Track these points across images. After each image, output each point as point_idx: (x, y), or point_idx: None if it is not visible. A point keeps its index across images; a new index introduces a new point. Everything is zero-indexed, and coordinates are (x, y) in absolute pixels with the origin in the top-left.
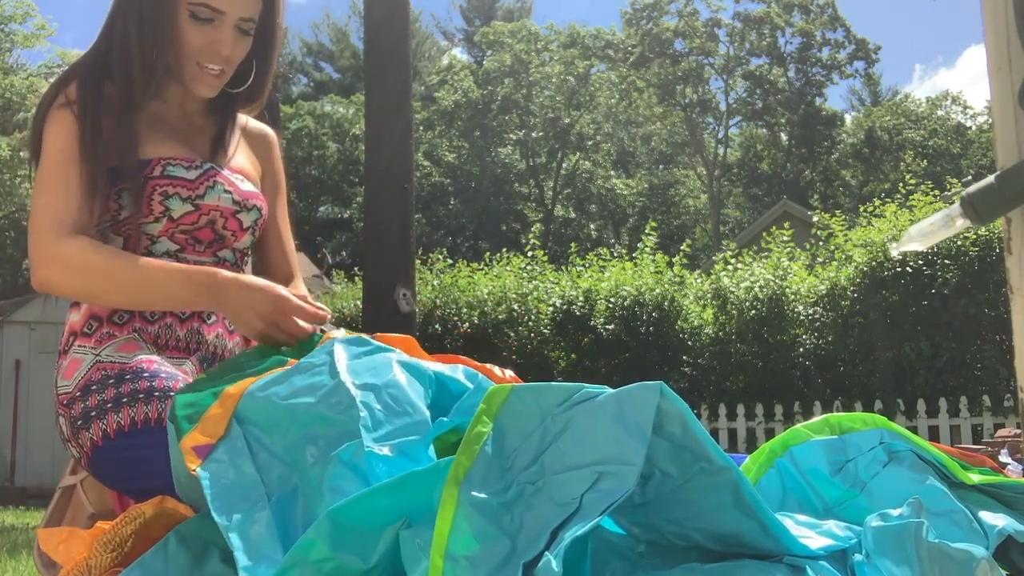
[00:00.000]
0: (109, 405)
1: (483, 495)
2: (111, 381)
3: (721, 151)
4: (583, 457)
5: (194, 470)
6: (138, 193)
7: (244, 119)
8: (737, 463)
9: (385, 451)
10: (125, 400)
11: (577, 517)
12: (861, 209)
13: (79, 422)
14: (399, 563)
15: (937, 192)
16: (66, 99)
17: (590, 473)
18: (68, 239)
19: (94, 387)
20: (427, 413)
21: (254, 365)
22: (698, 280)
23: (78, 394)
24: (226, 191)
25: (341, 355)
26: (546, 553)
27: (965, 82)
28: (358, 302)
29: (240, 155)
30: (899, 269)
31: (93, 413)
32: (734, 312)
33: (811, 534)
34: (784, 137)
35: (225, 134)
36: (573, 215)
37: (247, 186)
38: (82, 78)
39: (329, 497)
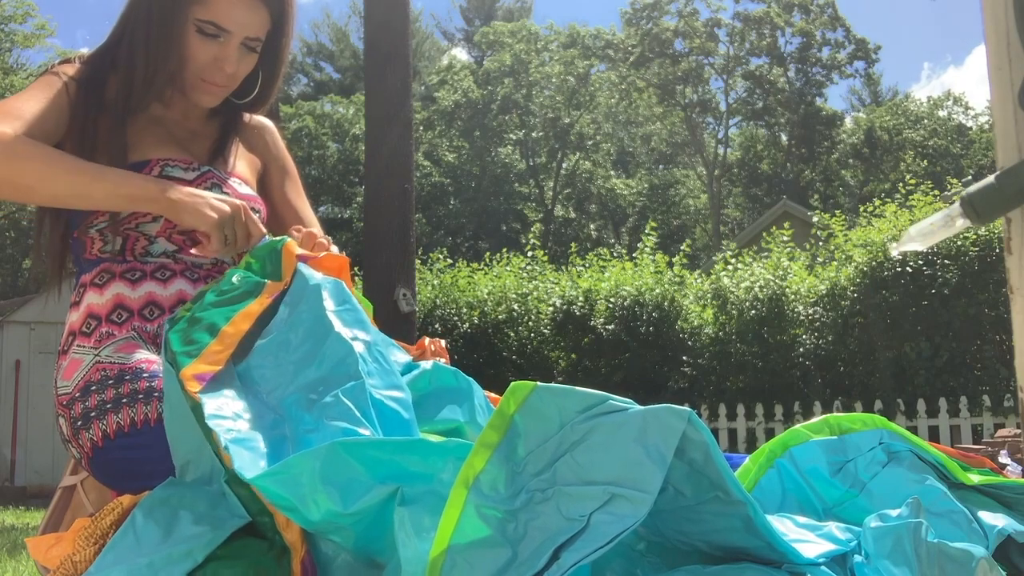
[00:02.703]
0: (109, 406)
1: (491, 503)
2: (110, 382)
3: (721, 151)
4: (598, 473)
5: (195, 393)
6: None
7: (246, 116)
8: (737, 463)
9: (387, 395)
10: (125, 400)
11: (583, 536)
12: (861, 209)
13: (79, 423)
14: (373, 528)
15: (937, 192)
16: (61, 71)
17: (603, 492)
18: (13, 127)
19: (94, 387)
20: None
21: (233, 290)
22: (698, 280)
23: (78, 395)
24: (223, 192)
25: (329, 304)
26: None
27: (973, 81)
28: None
29: (239, 159)
30: (899, 269)
31: (93, 414)
32: (734, 312)
33: (811, 537)
34: (784, 137)
35: (226, 140)
36: (573, 215)
37: (245, 189)
38: (88, 65)
39: (328, 426)
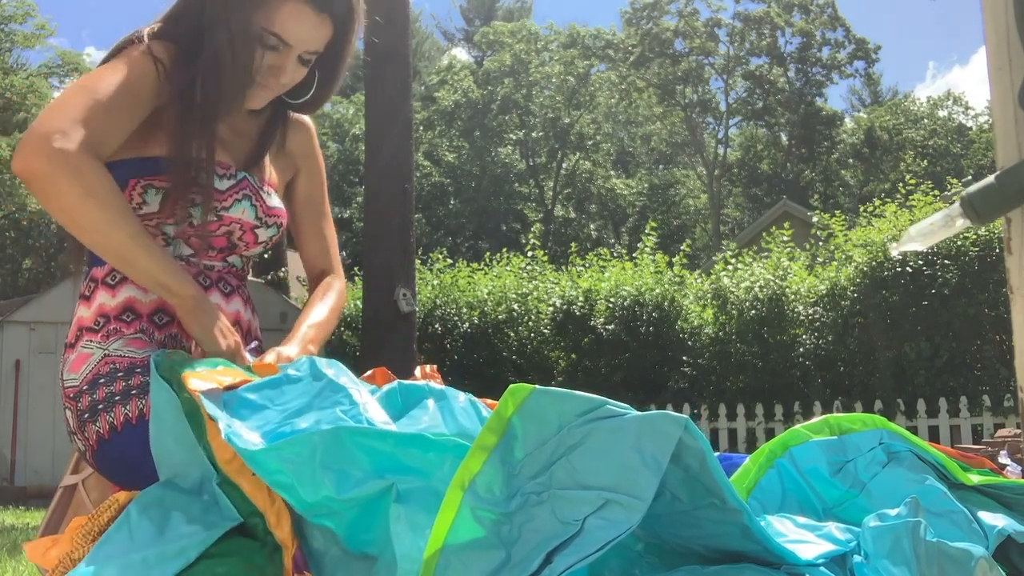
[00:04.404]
0: (117, 398)
1: (486, 505)
2: (120, 374)
3: (721, 151)
4: (594, 478)
5: (195, 391)
6: (176, 201)
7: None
8: (737, 463)
9: (380, 420)
10: (135, 392)
11: (576, 540)
12: (861, 209)
13: (86, 415)
14: (366, 515)
15: (937, 192)
16: (154, 55)
17: (598, 497)
18: (89, 145)
19: (102, 380)
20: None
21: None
22: (698, 280)
23: (85, 387)
24: (252, 204)
25: (323, 363)
26: None
27: (978, 80)
28: (358, 302)
29: (275, 160)
30: (899, 269)
31: (101, 406)
32: (734, 312)
33: (811, 537)
34: (784, 137)
35: (266, 143)
36: (573, 215)
37: (274, 202)
38: (181, 60)
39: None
